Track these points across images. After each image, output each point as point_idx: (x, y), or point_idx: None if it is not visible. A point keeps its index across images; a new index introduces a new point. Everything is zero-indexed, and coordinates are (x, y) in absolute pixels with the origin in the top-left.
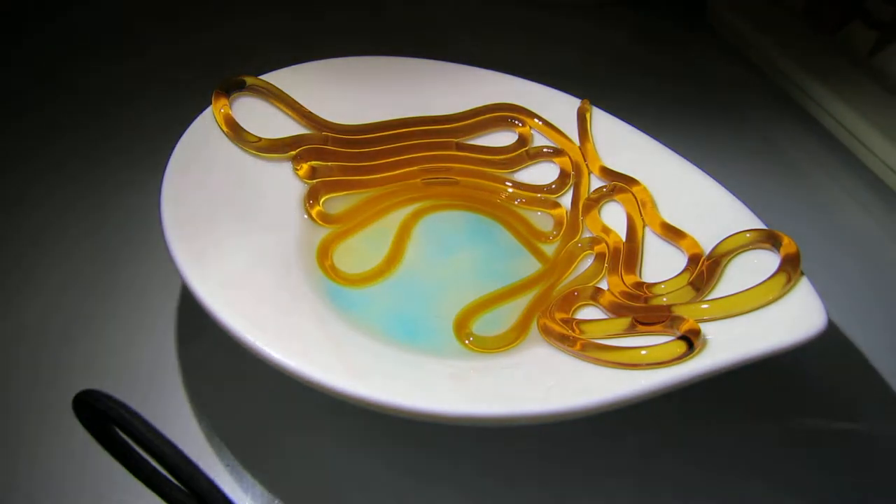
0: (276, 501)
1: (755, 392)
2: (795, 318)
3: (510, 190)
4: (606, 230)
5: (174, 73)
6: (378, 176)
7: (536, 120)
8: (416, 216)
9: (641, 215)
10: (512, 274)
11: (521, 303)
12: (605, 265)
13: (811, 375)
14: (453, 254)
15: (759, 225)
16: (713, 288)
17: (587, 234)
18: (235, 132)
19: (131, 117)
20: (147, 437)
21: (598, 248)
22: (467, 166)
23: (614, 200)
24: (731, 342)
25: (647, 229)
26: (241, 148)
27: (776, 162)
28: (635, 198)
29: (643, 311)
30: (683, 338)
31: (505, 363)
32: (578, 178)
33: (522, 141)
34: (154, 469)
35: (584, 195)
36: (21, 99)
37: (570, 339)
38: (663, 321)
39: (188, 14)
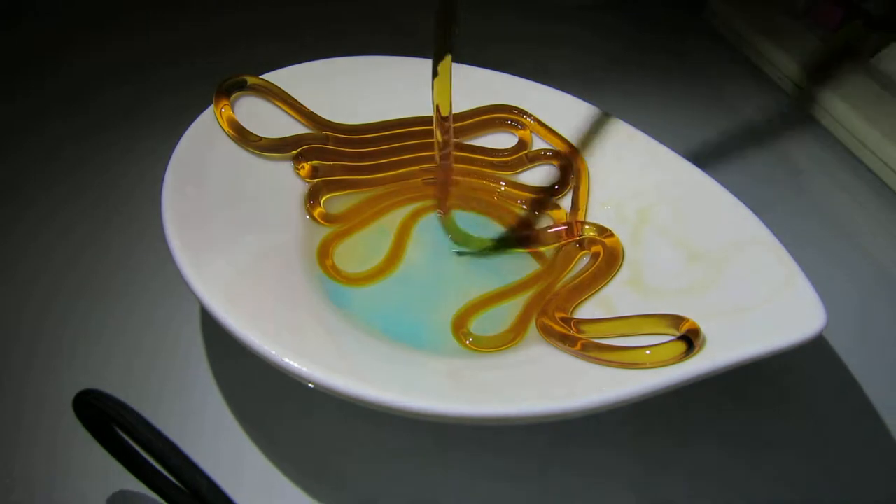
0: (278, 501)
1: (754, 392)
2: (795, 317)
3: (510, 190)
4: (603, 231)
5: (175, 72)
6: (378, 176)
7: (535, 122)
8: (416, 216)
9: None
10: (510, 274)
11: (520, 302)
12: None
13: (810, 375)
14: (452, 253)
15: (760, 224)
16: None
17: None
18: (237, 132)
19: (132, 118)
20: (147, 436)
21: (594, 249)
22: (467, 166)
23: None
24: (731, 342)
25: (651, 230)
26: (243, 147)
27: (776, 161)
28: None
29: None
30: (683, 338)
31: (504, 362)
32: (578, 180)
33: (522, 144)
34: (154, 469)
35: (582, 196)
36: (20, 99)
37: (571, 338)
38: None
39: (189, 14)
